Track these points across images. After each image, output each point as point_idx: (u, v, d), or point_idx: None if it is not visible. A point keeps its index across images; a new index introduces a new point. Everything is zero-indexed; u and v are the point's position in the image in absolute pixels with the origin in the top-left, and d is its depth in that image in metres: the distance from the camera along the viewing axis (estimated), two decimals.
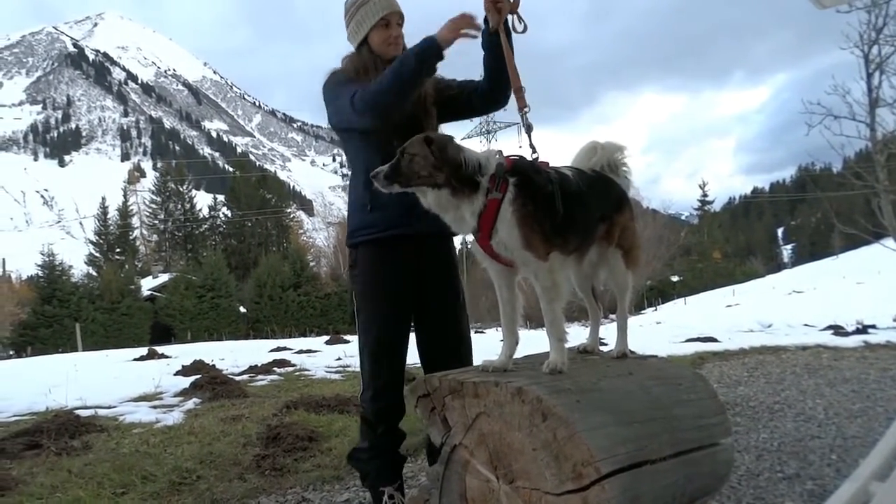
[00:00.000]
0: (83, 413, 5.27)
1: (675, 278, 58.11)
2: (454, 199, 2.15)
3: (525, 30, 2.53)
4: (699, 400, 2.39)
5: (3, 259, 52.81)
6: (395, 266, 2.62)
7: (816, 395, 5.62)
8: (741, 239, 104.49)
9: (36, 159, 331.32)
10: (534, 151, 2.33)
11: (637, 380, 2.29)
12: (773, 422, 4.62)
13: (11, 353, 34.68)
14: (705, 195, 79.05)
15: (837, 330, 11.66)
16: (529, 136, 2.40)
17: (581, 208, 2.27)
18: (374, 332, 2.64)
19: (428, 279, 2.71)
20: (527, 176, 2.16)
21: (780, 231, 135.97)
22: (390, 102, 2.42)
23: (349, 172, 2.79)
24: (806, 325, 13.62)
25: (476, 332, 25.47)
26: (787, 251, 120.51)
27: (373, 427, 2.67)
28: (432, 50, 2.37)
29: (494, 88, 2.66)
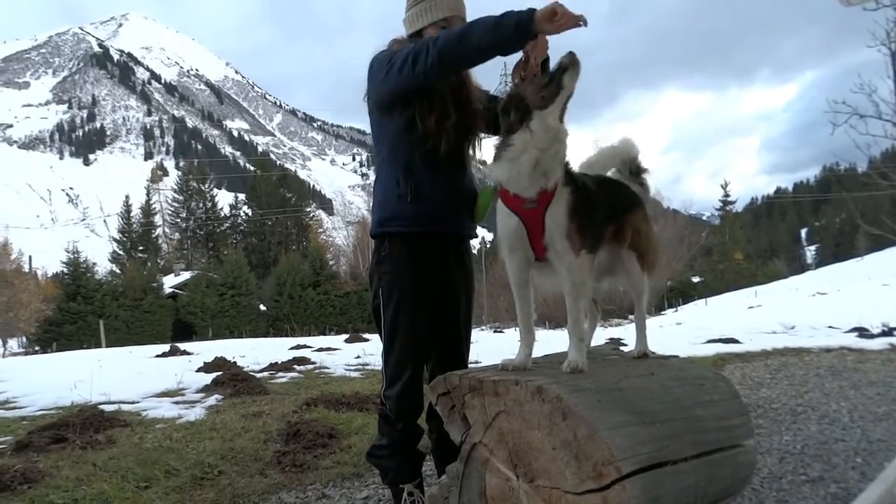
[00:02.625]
0: (107, 408, 5.34)
1: (695, 279, 57.58)
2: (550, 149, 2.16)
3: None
4: (721, 401, 2.37)
5: (30, 256, 53.69)
6: (426, 264, 2.61)
7: (841, 398, 5.53)
8: (763, 240, 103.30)
9: (62, 158, 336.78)
10: None
11: (658, 380, 2.28)
12: (796, 424, 4.56)
13: (37, 348, 35.29)
14: (727, 195, 78.14)
15: (862, 332, 11.47)
16: None
17: (595, 209, 2.30)
18: (404, 329, 2.61)
19: (454, 279, 2.72)
20: (576, 174, 2.25)
21: (803, 232, 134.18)
22: (461, 57, 2.29)
23: (384, 158, 2.65)
24: (830, 326, 13.42)
25: (495, 331, 25.44)
26: (810, 252, 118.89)
27: (392, 424, 2.66)
28: (526, 34, 2.17)
29: None
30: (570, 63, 2.13)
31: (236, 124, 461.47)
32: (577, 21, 2.12)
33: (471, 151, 2.76)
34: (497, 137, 2.73)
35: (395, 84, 2.42)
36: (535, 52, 2.40)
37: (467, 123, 2.62)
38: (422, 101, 2.51)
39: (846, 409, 5.05)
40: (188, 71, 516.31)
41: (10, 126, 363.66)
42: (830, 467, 3.44)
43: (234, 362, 8.71)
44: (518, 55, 2.39)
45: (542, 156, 2.15)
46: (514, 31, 2.15)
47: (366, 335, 16.75)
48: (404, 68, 2.35)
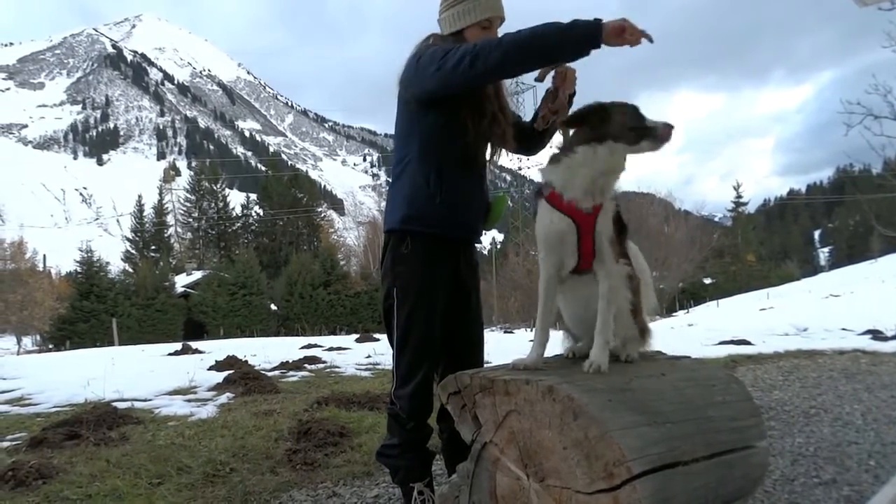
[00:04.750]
0: (120, 405, 5.40)
1: (707, 281, 57.31)
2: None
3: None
4: (733, 402, 2.36)
5: (44, 255, 54.27)
6: (441, 265, 2.63)
7: (854, 400, 5.49)
8: (776, 241, 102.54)
9: (75, 158, 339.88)
10: None
11: (670, 380, 2.27)
12: (808, 426, 4.53)
13: (51, 346, 35.61)
14: (739, 196, 77.57)
15: (876, 334, 11.38)
16: None
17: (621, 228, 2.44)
18: (418, 329, 2.61)
19: (464, 282, 2.74)
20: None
21: (816, 234, 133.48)
22: (525, 59, 2.25)
23: (413, 155, 2.59)
24: (843, 329, 13.31)
25: (505, 332, 25.42)
26: (823, 254, 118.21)
27: (403, 423, 2.67)
28: (594, 43, 2.16)
29: (532, 145, 2.80)
30: (666, 135, 2.11)
31: (248, 125, 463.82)
32: (641, 37, 2.15)
33: (488, 157, 2.79)
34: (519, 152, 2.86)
35: (446, 81, 2.35)
36: (565, 85, 2.49)
37: (497, 131, 2.63)
38: (472, 102, 2.50)
39: (859, 411, 5.02)
40: (201, 71, 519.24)
41: (25, 126, 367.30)
42: (843, 470, 3.41)
43: (246, 361, 8.75)
44: (547, 83, 2.53)
45: (597, 177, 2.17)
46: (583, 39, 2.15)
47: (376, 335, 16.78)
48: (460, 66, 2.28)
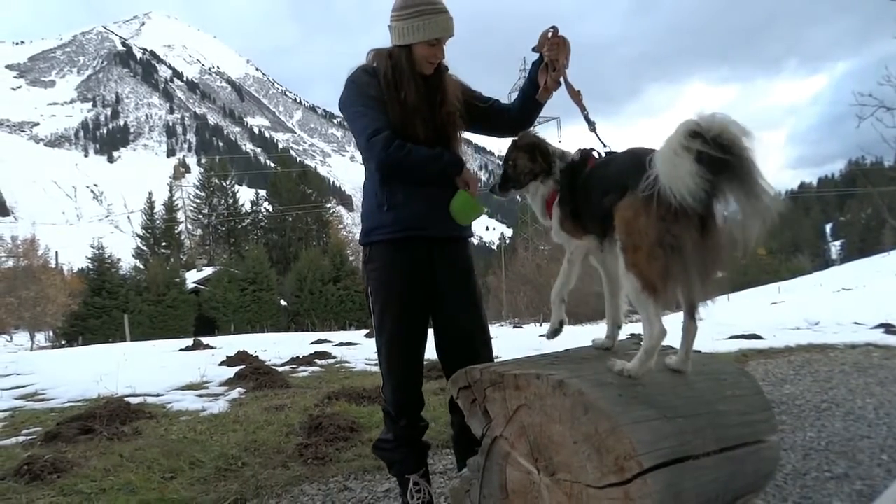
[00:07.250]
0: (133, 400, 5.44)
1: (718, 274, 56.97)
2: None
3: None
4: (744, 396, 2.35)
5: (56, 252, 54.65)
6: (409, 266, 2.62)
7: (866, 394, 5.45)
8: (787, 235, 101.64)
9: (86, 155, 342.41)
10: (604, 145, 2.39)
11: (680, 375, 2.26)
12: (820, 421, 4.51)
13: (63, 342, 35.90)
14: None
15: (888, 328, 11.27)
16: (596, 133, 2.49)
17: (585, 195, 2.28)
18: (388, 329, 2.65)
19: (441, 280, 2.69)
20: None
21: (828, 227, 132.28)
22: (401, 176, 2.59)
23: (368, 169, 2.72)
24: (855, 323, 13.20)
25: (514, 326, 25.41)
26: (835, 248, 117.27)
27: (394, 420, 2.71)
28: (456, 173, 2.59)
29: (525, 118, 2.81)
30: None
31: (257, 121, 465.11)
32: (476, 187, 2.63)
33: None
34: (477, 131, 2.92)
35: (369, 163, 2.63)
36: (562, 55, 2.56)
37: (441, 133, 2.63)
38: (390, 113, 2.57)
39: (872, 405, 4.98)
40: (209, 68, 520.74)
41: (37, 124, 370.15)
42: (855, 464, 3.40)
43: (256, 356, 8.79)
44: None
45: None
46: (444, 172, 2.58)
47: None
48: (363, 152, 2.59)
